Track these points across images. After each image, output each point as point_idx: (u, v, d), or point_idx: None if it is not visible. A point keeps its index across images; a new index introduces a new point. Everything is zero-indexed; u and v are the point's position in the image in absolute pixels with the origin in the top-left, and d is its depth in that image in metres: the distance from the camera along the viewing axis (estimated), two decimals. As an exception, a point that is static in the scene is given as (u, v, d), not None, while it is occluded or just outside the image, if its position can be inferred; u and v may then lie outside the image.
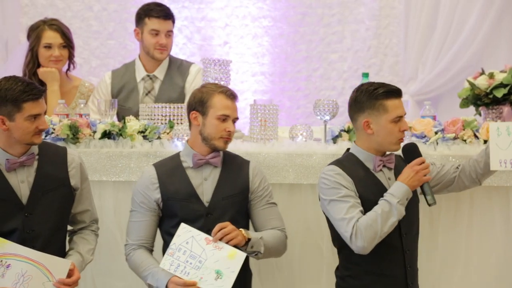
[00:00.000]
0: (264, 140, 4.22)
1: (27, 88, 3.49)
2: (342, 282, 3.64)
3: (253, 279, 3.95)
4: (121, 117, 4.51)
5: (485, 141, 4.19)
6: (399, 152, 3.68)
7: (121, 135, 4.16)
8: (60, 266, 3.51)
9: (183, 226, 3.60)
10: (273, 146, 4.19)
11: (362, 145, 3.60)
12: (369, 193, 3.53)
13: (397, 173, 3.61)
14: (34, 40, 4.79)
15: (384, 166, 3.60)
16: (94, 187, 3.99)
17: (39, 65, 4.81)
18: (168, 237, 3.68)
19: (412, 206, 3.61)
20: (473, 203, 4.18)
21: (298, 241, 4.09)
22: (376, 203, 3.49)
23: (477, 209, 4.19)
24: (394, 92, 3.55)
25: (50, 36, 4.77)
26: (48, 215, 3.59)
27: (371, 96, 3.53)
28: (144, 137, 4.18)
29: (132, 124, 4.18)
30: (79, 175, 3.70)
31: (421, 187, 3.57)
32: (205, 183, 3.71)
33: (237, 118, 3.75)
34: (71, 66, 4.89)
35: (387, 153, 3.63)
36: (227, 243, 3.54)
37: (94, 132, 4.16)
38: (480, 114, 4.53)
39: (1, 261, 3.47)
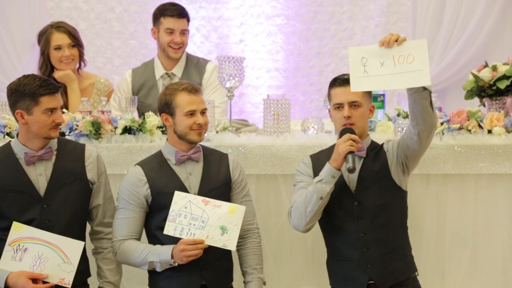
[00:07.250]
0: (277, 133, 4.29)
1: (44, 83, 3.60)
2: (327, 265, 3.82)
3: (268, 264, 4.04)
4: (141, 113, 4.56)
5: (489, 131, 4.26)
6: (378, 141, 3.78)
7: (141, 130, 4.25)
8: (73, 248, 3.59)
9: (178, 193, 3.63)
10: (285, 138, 4.25)
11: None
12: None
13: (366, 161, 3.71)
14: (44, 44, 4.88)
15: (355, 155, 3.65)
16: (116, 180, 4.10)
17: (51, 67, 4.89)
18: (159, 232, 3.67)
19: (368, 194, 3.66)
20: (478, 190, 4.26)
21: (310, 227, 4.19)
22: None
23: (482, 196, 4.26)
24: (338, 81, 3.70)
25: (59, 38, 4.85)
26: (64, 206, 3.68)
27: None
28: (163, 132, 4.26)
29: (152, 119, 4.26)
30: (96, 169, 3.78)
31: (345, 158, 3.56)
32: (190, 178, 3.74)
33: (205, 109, 3.77)
34: (82, 64, 4.95)
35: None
36: None
37: (115, 128, 4.24)
38: (484, 105, 4.59)
39: (19, 245, 3.56)
